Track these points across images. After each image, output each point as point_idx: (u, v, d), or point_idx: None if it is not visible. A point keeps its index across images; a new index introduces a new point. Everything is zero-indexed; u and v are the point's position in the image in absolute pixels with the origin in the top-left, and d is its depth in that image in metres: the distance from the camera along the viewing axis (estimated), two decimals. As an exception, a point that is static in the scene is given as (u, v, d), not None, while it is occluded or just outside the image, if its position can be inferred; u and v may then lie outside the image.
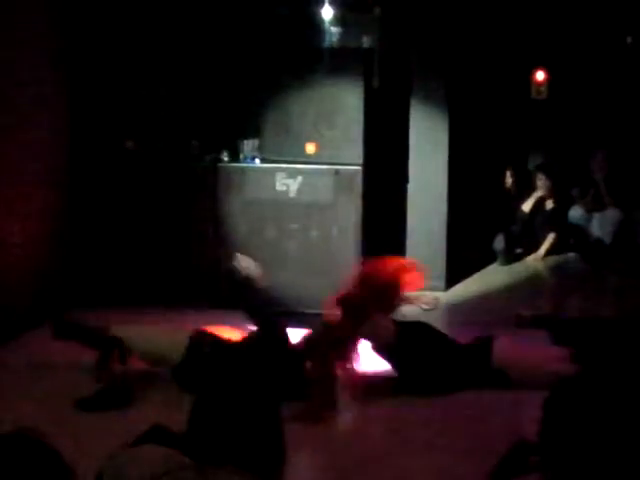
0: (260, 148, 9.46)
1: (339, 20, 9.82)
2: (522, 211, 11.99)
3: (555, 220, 11.81)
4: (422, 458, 5.87)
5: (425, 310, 7.88)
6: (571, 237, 11.76)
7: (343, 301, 7.13)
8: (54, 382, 7.01)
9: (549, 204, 11.94)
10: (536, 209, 11.96)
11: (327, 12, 9.77)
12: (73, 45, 9.14)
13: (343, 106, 9.19)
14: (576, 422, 2.90)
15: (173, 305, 8.97)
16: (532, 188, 12.05)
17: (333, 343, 6.93)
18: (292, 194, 9.28)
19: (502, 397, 6.78)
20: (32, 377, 7.15)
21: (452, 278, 10.41)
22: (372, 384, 7.17)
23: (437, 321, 8.83)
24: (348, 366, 6.92)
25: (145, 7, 9.63)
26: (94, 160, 9.38)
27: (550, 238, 11.73)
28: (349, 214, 9.21)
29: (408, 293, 7.53)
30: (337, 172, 9.19)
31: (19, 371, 7.30)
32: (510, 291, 10.38)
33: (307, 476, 5.91)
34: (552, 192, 11.87)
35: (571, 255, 11.69)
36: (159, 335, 7.23)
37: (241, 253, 8.10)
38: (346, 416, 6.79)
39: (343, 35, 9.82)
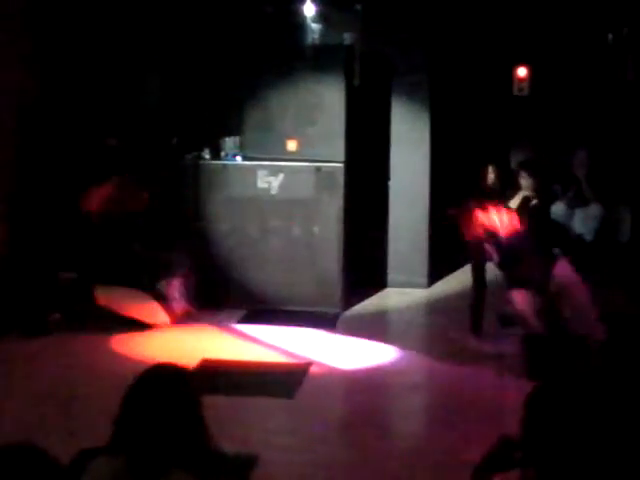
0: (241, 145, 9.45)
1: (320, 17, 9.80)
2: (509, 209, 11.98)
3: (538, 217, 11.80)
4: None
5: None
6: (552, 233, 11.75)
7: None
8: None
9: (533, 202, 11.94)
10: (522, 207, 11.95)
11: (309, 9, 9.75)
12: (52, 44, 9.11)
13: (324, 103, 9.19)
14: (557, 419, 2.93)
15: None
16: (514, 185, 12.05)
17: None
18: (274, 191, 9.27)
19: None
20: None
21: (434, 275, 10.42)
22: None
23: (419, 320, 8.90)
24: None
25: (126, 5, 9.60)
26: (76, 156, 9.34)
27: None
28: (331, 211, 9.20)
29: None
30: (319, 169, 9.18)
31: None
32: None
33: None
34: (535, 189, 11.87)
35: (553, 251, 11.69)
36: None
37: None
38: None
39: (324, 32, 9.79)
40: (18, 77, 8.68)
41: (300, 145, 9.24)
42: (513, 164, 12.86)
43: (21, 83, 8.75)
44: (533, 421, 2.98)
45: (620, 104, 11.67)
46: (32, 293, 8.46)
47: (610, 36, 11.50)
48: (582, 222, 11.62)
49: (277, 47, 9.52)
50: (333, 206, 9.18)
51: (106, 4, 9.49)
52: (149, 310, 8.50)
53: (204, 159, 9.47)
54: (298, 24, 9.81)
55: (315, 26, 9.84)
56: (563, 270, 7.39)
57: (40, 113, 9.05)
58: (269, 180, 9.26)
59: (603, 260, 10.96)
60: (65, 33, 9.21)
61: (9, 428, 5.95)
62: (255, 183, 9.27)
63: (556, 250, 8.27)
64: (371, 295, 9.91)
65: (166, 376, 3.15)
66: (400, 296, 9.97)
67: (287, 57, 9.37)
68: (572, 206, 11.70)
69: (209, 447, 3.13)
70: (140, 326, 8.38)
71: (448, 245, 10.76)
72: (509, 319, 7.81)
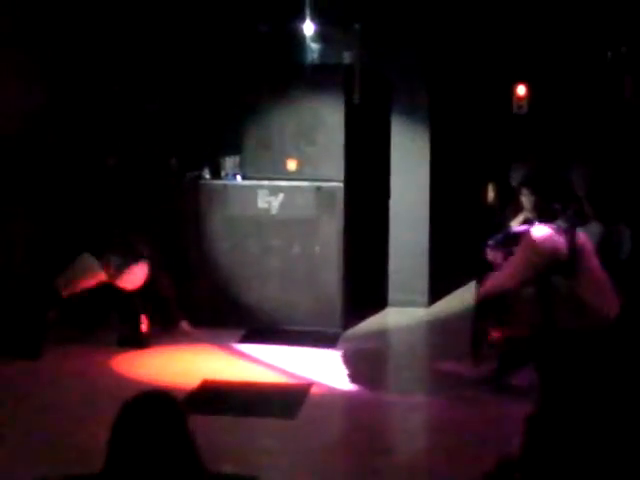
0: (241, 165, 9.46)
1: (320, 36, 9.83)
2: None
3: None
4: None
5: None
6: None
7: None
8: None
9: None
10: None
11: (308, 28, 9.77)
12: (54, 64, 9.13)
13: (324, 122, 9.19)
14: (557, 440, 2.92)
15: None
16: (515, 202, 12.04)
17: None
18: (274, 211, 9.27)
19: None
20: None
21: (435, 294, 10.40)
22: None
23: (420, 339, 8.88)
24: None
25: (126, 26, 9.62)
26: (75, 175, 9.36)
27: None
28: (331, 230, 9.19)
29: None
30: (319, 188, 9.18)
31: None
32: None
33: None
34: (536, 207, 11.86)
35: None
36: None
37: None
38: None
39: (324, 51, 9.83)
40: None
41: (300, 164, 9.24)
42: (513, 182, 12.85)
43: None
44: (532, 442, 2.97)
45: (619, 122, 11.68)
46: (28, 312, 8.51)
47: (609, 54, 11.53)
48: (582, 240, 11.57)
49: (277, 66, 9.54)
50: (333, 225, 9.18)
51: (106, 22, 9.50)
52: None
53: (204, 178, 9.47)
54: (297, 43, 9.84)
55: (314, 45, 9.87)
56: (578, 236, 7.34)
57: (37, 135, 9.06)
58: (269, 200, 9.25)
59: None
60: (64, 51, 9.22)
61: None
62: (255, 202, 9.27)
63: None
64: (372, 314, 9.90)
65: (154, 403, 3.14)
66: (400, 315, 9.95)
67: (287, 76, 9.38)
68: (572, 224, 11.68)
69: (202, 471, 3.11)
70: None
71: (449, 264, 10.77)
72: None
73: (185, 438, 3.10)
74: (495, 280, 7.08)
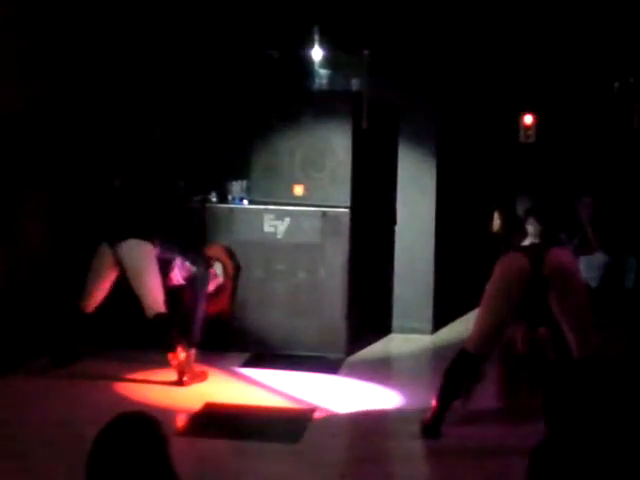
0: (248, 189, 9.48)
1: (328, 62, 9.86)
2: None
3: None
4: None
5: None
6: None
7: None
8: None
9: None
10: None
11: (316, 54, 9.81)
12: (58, 86, 9.17)
13: (331, 148, 9.21)
14: (564, 471, 2.91)
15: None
16: (521, 231, 12.04)
17: None
18: (280, 235, 9.28)
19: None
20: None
21: (439, 321, 10.39)
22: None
23: (424, 366, 8.86)
24: None
25: (135, 48, 9.65)
26: (81, 197, 9.38)
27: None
28: (337, 256, 9.20)
29: None
30: (325, 214, 9.20)
31: None
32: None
33: None
34: (542, 236, 11.86)
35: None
36: None
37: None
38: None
39: (332, 77, 9.86)
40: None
41: (307, 190, 9.26)
42: (519, 210, 12.85)
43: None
44: (538, 472, 2.96)
45: (626, 152, 11.70)
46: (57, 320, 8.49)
47: (616, 85, 11.55)
48: (587, 269, 11.61)
49: (285, 92, 9.57)
50: (338, 251, 9.18)
51: (114, 43, 9.53)
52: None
53: (211, 202, 9.50)
54: (306, 69, 9.87)
55: (323, 71, 9.91)
56: (562, 254, 7.22)
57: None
58: (275, 224, 9.27)
59: (608, 307, 10.94)
60: (68, 71, 9.26)
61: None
62: (261, 227, 9.28)
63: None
64: (375, 341, 9.89)
65: (133, 426, 3.10)
66: (404, 342, 9.95)
67: (295, 102, 9.40)
68: (577, 253, 11.69)
69: None
70: None
71: (454, 291, 10.76)
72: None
73: (163, 462, 3.07)
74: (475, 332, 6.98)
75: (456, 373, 6.92)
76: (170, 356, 8.13)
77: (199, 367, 8.42)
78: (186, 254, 8.60)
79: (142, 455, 3.03)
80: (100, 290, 8.37)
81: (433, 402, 6.93)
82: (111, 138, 9.56)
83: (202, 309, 8.68)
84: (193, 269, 8.61)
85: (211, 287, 8.86)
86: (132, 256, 8.21)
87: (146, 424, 3.12)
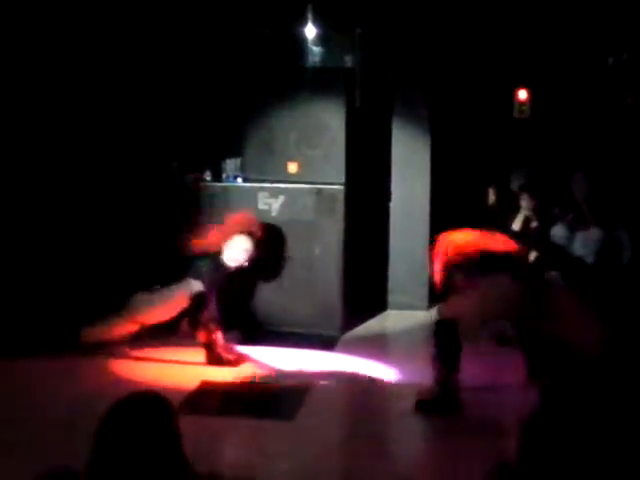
0: (242, 167, 9.48)
1: (321, 40, 9.85)
2: (512, 230, 11.98)
3: (537, 239, 11.80)
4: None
5: None
6: (552, 255, 11.74)
7: None
8: None
9: (533, 223, 11.95)
10: (523, 229, 11.95)
11: (310, 32, 9.79)
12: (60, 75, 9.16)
13: (325, 125, 9.21)
14: (555, 445, 2.92)
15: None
16: (515, 207, 12.06)
17: None
18: (274, 213, 9.28)
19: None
20: None
21: (434, 296, 10.40)
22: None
23: (420, 342, 8.87)
24: None
25: (129, 28, 9.63)
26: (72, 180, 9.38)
27: (532, 257, 11.72)
28: (331, 233, 9.21)
29: None
30: (319, 191, 9.20)
31: None
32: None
33: None
34: (536, 211, 11.88)
35: (552, 274, 11.69)
36: None
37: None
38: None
39: (325, 55, 9.84)
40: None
41: (301, 167, 9.26)
42: (513, 186, 12.87)
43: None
44: (530, 447, 2.97)
45: (619, 127, 11.70)
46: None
47: (610, 59, 11.54)
48: (582, 245, 11.61)
49: (278, 69, 9.55)
50: (333, 228, 9.19)
51: (112, 27, 9.51)
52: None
53: (205, 180, 9.50)
54: (299, 46, 9.85)
55: (316, 48, 9.89)
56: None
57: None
58: (270, 202, 9.28)
59: (604, 282, 10.95)
60: (62, 51, 9.24)
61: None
62: (256, 205, 9.28)
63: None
64: (371, 317, 9.91)
65: (143, 403, 3.13)
66: (400, 318, 9.96)
67: (288, 79, 9.39)
68: (572, 229, 11.70)
69: (188, 473, 3.11)
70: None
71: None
72: (506, 338, 7.76)
73: (173, 439, 3.09)
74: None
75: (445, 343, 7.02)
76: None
77: (195, 345, 8.45)
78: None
79: (153, 431, 3.07)
80: None
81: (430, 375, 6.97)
82: (106, 118, 9.57)
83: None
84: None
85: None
86: None
87: (157, 402, 3.16)
